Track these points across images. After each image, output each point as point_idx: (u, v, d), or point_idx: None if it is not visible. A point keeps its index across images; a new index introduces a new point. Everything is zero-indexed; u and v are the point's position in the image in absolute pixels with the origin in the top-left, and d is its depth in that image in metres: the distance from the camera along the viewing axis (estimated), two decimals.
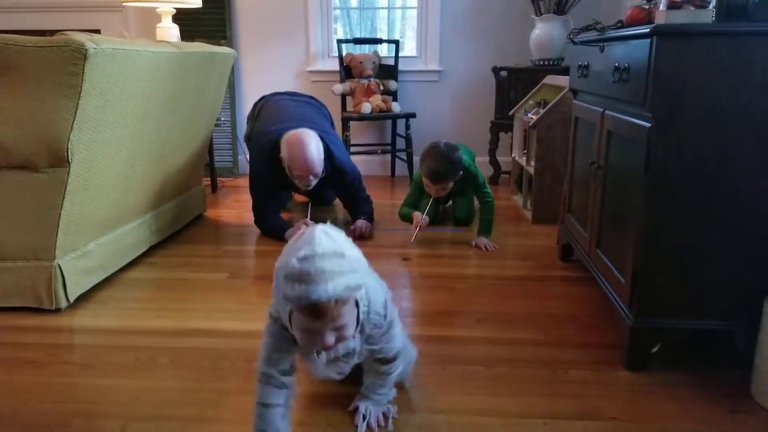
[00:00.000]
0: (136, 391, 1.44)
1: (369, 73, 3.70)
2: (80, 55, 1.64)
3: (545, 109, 2.79)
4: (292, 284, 0.98)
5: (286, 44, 3.96)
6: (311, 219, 2.65)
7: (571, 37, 2.01)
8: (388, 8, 4.14)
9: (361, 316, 1.11)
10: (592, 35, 1.85)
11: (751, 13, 1.35)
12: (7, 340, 1.71)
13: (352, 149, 3.60)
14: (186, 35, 3.40)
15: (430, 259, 2.40)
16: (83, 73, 1.66)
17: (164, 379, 1.50)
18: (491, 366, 1.55)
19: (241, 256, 2.47)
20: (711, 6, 1.41)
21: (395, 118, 3.79)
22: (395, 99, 3.77)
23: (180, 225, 2.75)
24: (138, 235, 2.34)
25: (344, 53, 3.77)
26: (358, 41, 3.82)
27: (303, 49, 3.96)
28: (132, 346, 1.67)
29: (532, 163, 2.88)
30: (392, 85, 3.77)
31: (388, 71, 3.81)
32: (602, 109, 1.79)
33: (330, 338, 1.05)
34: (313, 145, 2.47)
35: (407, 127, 3.65)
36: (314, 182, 2.55)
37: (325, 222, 1.11)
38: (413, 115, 3.67)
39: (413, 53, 4.02)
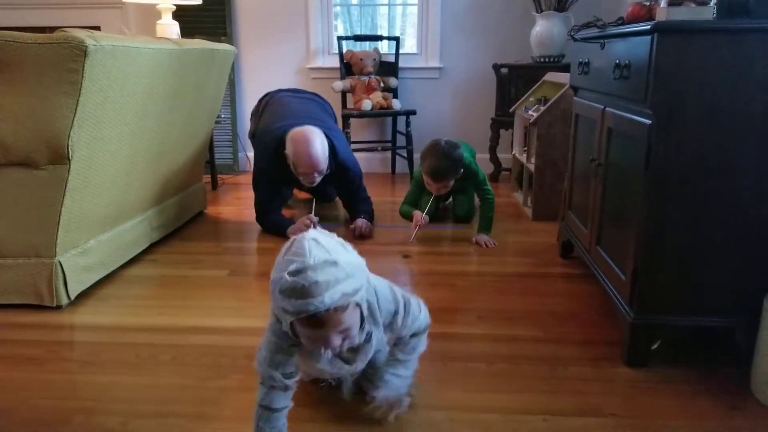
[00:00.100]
0: (137, 388, 1.44)
1: (369, 70, 3.70)
2: (80, 52, 1.63)
3: (546, 106, 2.79)
4: (288, 299, 0.99)
5: (287, 41, 3.95)
6: (315, 215, 2.65)
7: (572, 34, 2.01)
8: (389, 5, 4.14)
9: (365, 312, 1.11)
10: (593, 32, 1.84)
11: (752, 9, 1.35)
12: (7, 337, 1.71)
13: (353, 146, 3.58)
14: (186, 32, 3.39)
15: (430, 257, 2.40)
16: (83, 70, 1.66)
17: (165, 376, 1.50)
18: (492, 363, 1.56)
19: (242, 253, 2.48)
20: (712, 3, 1.41)
21: (395, 115, 3.79)
22: (395, 96, 3.77)
23: (180, 222, 2.75)
24: (138, 232, 2.34)
25: (344, 50, 3.76)
26: (358, 38, 3.82)
27: (303, 46, 3.96)
28: (133, 343, 1.67)
29: (533, 160, 2.88)
30: (392, 82, 3.77)
31: (388, 68, 3.80)
32: (603, 106, 1.79)
33: (336, 340, 1.06)
34: (318, 142, 2.47)
35: (407, 124, 3.64)
36: (318, 179, 2.55)
37: (325, 219, 1.11)
38: (414, 113, 3.66)
39: (414, 50, 4.01)
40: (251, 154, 3.81)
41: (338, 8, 4.10)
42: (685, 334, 1.68)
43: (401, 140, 3.86)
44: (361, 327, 1.12)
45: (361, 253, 1.10)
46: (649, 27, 1.36)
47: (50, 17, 3.92)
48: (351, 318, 1.06)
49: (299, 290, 0.97)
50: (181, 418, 1.32)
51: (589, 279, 2.08)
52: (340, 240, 1.08)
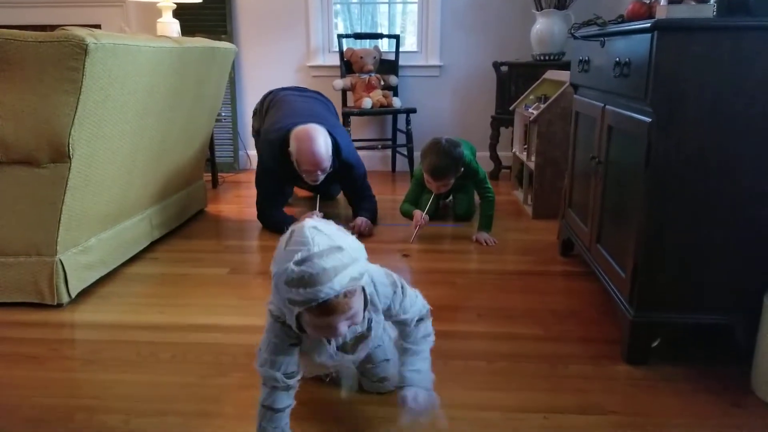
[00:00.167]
0: (138, 386, 1.45)
1: (369, 68, 3.70)
2: (81, 50, 1.63)
3: (546, 104, 2.79)
4: (296, 289, 0.97)
5: (287, 39, 3.95)
6: (319, 212, 2.66)
7: (572, 31, 2.01)
8: (389, 3, 4.13)
9: (368, 297, 1.11)
10: (593, 30, 1.84)
11: (752, 7, 1.35)
12: (8, 335, 1.71)
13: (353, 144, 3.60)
14: (186, 30, 3.39)
15: (430, 255, 2.40)
16: (84, 68, 1.66)
17: (166, 374, 1.50)
18: (492, 361, 1.56)
19: (242, 251, 2.48)
20: (712, 0, 1.41)
21: (396, 113, 3.78)
22: (396, 94, 3.77)
23: (181, 220, 2.75)
24: (139, 230, 2.34)
25: (345, 48, 3.76)
26: (358, 36, 3.81)
27: (303, 44, 3.95)
28: (133, 341, 1.67)
29: (533, 158, 2.88)
30: (393, 80, 3.77)
31: (388, 66, 3.80)
32: (603, 104, 1.79)
33: (344, 327, 1.05)
34: (321, 141, 2.48)
35: (408, 122, 3.65)
36: (322, 177, 2.55)
37: (327, 217, 1.11)
38: (414, 111, 3.66)
39: (414, 48, 4.01)
40: (252, 152, 3.82)
41: (338, 6, 4.10)
42: (685, 332, 1.68)
43: (401, 138, 3.86)
44: (363, 311, 1.12)
45: None
46: (649, 25, 1.36)
47: (51, 15, 3.92)
48: (358, 302, 1.05)
49: (307, 279, 0.96)
50: (183, 416, 1.32)
51: (590, 277, 2.08)
52: (339, 226, 1.07)
